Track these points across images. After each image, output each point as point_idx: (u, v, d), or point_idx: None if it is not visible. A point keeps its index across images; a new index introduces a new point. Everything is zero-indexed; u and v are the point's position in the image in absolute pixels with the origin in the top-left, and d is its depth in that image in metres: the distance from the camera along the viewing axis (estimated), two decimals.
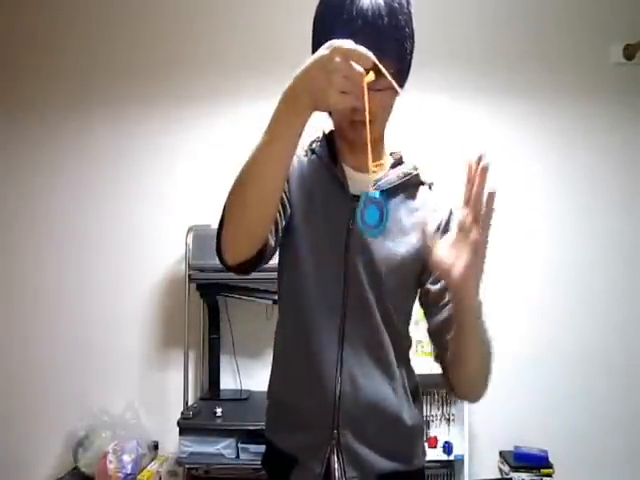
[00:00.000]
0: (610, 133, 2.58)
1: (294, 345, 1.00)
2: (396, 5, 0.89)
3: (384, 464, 0.96)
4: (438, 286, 0.99)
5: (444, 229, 1.02)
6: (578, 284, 2.55)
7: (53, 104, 2.63)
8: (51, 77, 2.64)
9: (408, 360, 1.06)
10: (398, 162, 1.06)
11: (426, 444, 2.09)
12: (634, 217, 2.58)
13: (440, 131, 2.55)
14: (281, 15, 2.55)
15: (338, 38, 0.85)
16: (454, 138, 2.55)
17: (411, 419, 1.00)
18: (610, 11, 2.59)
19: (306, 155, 1.04)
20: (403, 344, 1.04)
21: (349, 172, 1.01)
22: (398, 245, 0.99)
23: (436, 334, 0.99)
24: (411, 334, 1.07)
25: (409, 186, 1.04)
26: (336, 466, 0.94)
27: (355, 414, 0.95)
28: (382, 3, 0.88)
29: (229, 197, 0.84)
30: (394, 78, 0.90)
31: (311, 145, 1.06)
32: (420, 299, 1.05)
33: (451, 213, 1.04)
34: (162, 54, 2.62)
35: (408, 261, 0.99)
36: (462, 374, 0.94)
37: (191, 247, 2.34)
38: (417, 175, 1.05)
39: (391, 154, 1.10)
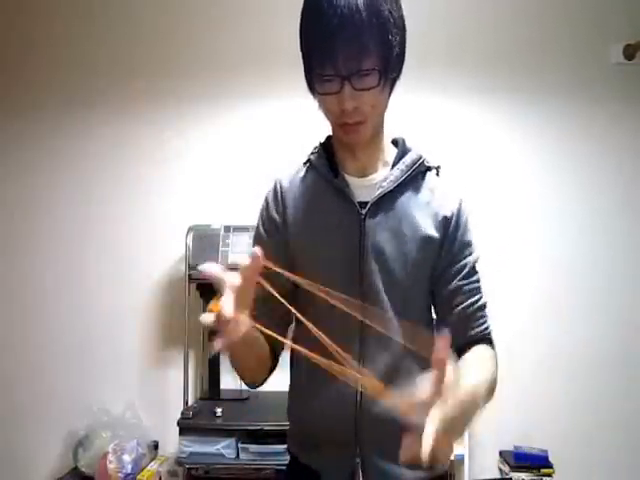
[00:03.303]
0: (610, 133, 2.58)
1: (312, 365, 0.98)
2: None
3: (408, 475, 0.94)
4: (451, 287, 0.96)
5: (455, 225, 0.98)
6: (578, 284, 2.54)
7: (53, 104, 2.63)
8: (50, 77, 2.64)
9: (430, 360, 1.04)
10: (401, 153, 1.02)
11: None
12: (634, 217, 2.57)
13: (440, 132, 2.54)
14: (282, 15, 2.54)
15: (318, 38, 0.85)
16: (454, 139, 2.55)
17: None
18: (610, 11, 2.58)
19: (305, 175, 1.02)
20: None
21: (351, 180, 0.98)
22: (411, 245, 0.95)
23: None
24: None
25: (416, 175, 1.00)
26: None
27: (377, 430, 0.93)
28: None
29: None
30: (380, 73, 0.87)
31: (308, 159, 1.03)
32: (431, 297, 1.01)
33: (461, 204, 1.00)
34: (162, 54, 2.62)
35: (421, 260, 0.96)
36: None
37: (191, 247, 2.34)
38: (422, 162, 1.00)
39: (393, 142, 1.05)
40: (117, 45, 2.63)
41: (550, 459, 2.31)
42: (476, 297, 0.97)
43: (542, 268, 2.55)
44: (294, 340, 1.04)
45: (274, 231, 1.01)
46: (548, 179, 2.59)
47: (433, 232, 0.96)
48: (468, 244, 0.99)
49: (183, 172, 2.61)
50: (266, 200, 1.04)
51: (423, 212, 0.97)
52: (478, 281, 0.99)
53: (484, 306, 0.98)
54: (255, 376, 0.99)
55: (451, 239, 0.98)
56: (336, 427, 0.94)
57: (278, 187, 1.03)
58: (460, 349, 0.91)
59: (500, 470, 2.42)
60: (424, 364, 0.98)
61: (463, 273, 0.97)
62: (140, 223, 2.59)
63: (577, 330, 2.52)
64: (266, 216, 1.03)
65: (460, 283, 0.96)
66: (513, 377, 2.46)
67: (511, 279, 2.52)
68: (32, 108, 2.63)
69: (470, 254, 0.99)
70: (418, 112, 2.53)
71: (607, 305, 2.54)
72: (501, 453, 2.44)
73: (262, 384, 1.01)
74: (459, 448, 2.27)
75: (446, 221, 0.98)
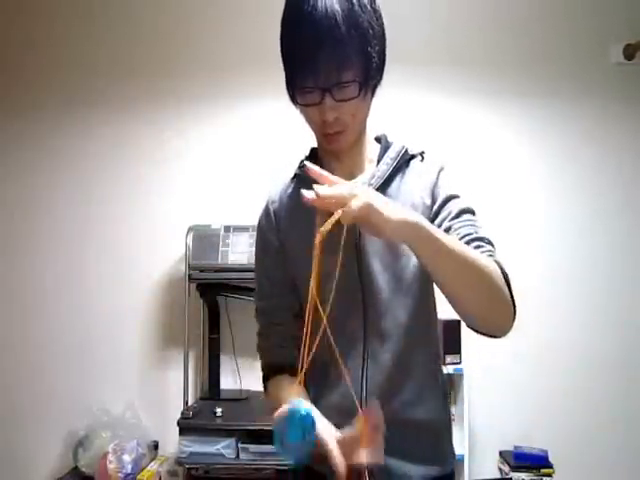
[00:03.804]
0: (610, 133, 2.58)
1: (318, 368, 0.95)
2: (356, 8, 0.84)
3: (418, 472, 0.94)
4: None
5: (435, 191, 0.97)
6: (578, 284, 2.55)
7: (53, 104, 2.63)
8: (50, 77, 2.64)
9: (437, 354, 1.03)
10: (384, 148, 1.02)
11: None
12: (635, 217, 2.57)
13: (440, 133, 2.54)
14: (281, 16, 2.55)
15: (298, 51, 0.86)
16: (454, 140, 2.55)
17: (440, 418, 0.98)
18: (610, 11, 2.58)
19: (294, 189, 1.02)
20: (431, 339, 1.01)
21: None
22: None
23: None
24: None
25: (402, 166, 1.00)
26: None
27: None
28: (338, 9, 0.82)
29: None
30: (360, 84, 0.87)
31: (295, 174, 1.04)
32: None
33: (440, 169, 0.99)
34: (162, 54, 2.62)
35: None
36: (466, 310, 0.85)
37: (191, 247, 2.34)
38: (406, 152, 1.00)
39: (376, 139, 1.06)
40: (117, 45, 2.63)
41: (550, 459, 2.31)
42: (470, 230, 0.90)
43: (542, 269, 2.54)
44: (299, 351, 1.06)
45: (272, 250, 1.03)
46: (547, 179, 2.59)
47: (423, 211, 0.96)
48: (452, 196, 0.96)
49: (183, 172, 2.61)
50: (259, 222, 1.06)
51: (411, 197, 0.97)
52: (472, 220, 0.93)
53: (483, 238, 0.90)
54: None
55: (434, 201, 0.96)
56: (341, 426, 0.94)
57: (269, 206, 1.05)
58: None
59: (500, 470, 2.42)
60: (428, 359, 0.99)
61: (451, 215, 0.93)
62: (140, 223, 2.59)
63: (577, 331, 2.52)
64: (262, 237, 1.05)
65: (449, 224, 0.92)
66: (513, 377, 2.47)
67: (511, 279, 2.52)
68: (32, 108, 2.63)
69: (456, 204, 0.95)
70: (420, 113, 2.53)
71: (607, 306, 2.54)
72: (501, 453, 2.44)
73: None
74: (459, 448, 2.28)
75: (430, 193, 0.97)
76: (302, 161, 1.05)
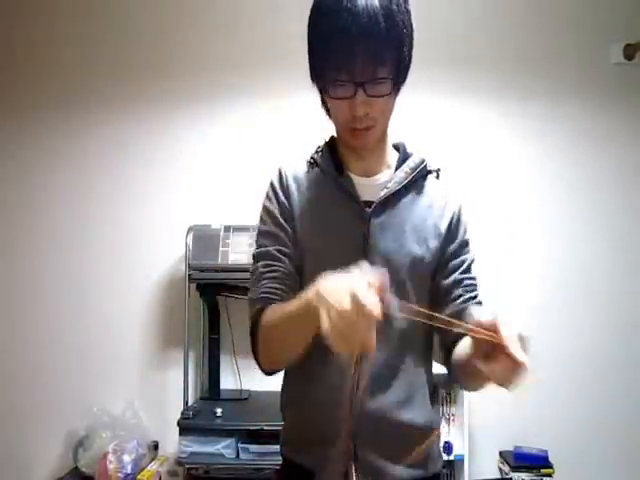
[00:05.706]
0: (610, 133, 2.58)
1: (307, 361, 0.96)
2: (394, 6, 0.86)
3: (402, 473, 0.95)
4: (450, 280, 0.99)
5: (455, 226, 1.02)
6: (578, 284, 2.54)
7: (52, 104, 2.63)
8: (50, 77, 2.63)
9: (428, 359, 1.04)
10: (404, 157, 1.04)
11: None
12: (635, 217, 2.57)
13: (440, 132, 2.54)
14: (282, 17, 2.55)
15: (336, 45, 0.85)
16: (454, 139, 2.55)
17: (427, 422, 0.98)
18: (610, 11, 2.58)
19: (308, 171, 1.03)
20: (423, 344, 1.02)
21: (356, 179, 1.00)
22: (414, 245, 0.97)
23: (441, 330, 0.94)
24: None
25: (418, 178, 1.02)
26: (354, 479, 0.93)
27: (371, 427, 0.94)
28: (378, 6, 0.84)
29: (264, 337, 0.96)
30: (393, 81, 0.90)
31: (312, 158, 1.04)
32: (429, 292, 1.02)
33: (461, 206, 1.04)
34: (162, 54, 2.62)
35: (424, 260, 0.97)
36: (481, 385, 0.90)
37: (191, 247, 2.34)
38: (425, 166, 1.03)
39: (394, 146, 1.07)
40: (117, 45, 2.63)
41: (550, 459, 2.31)
42: (474, 293, 1.00)
43: (542, 269, 2.54)
44: None
45: (281, 204, 1.01)
46: (546, 179, 2.59)
47: (435, 233, 0.99)
48: (466, 243, 1.03)
49: (183, 172, 2.61)
50: (272, 185, 1.04)
51: (425, 214, 1.00)
52: (475, 279, 1.02)
53: (482, 303, 1.01)
54: (292, 355, 0.94)
55: (452, 238, 1.01)
56: (330, 424, 0.94)
57: (284, 175, 1.03)
58: (457, 341, 0.94)
59: (500, 470, 2.42)
60: (419, 362, 0.99)
61: (462, 268, 1.00)
62: (140, 223, 2.59)
63: (577, 330, 2.52)
64: (275, 199, 1.02)
65: (459, 277, 1.00)
66: None
67: (511, 280, 2.52)
68: (32, 108, 2.63)
69: (468, 252, 1.03)
70: (418, 113, 2.53)
71: (607, 306, 2.54)
72: (501, 453, 2.44)
73: (280, 370, 1.01)
74: (459, 448, 2.28)
75: (447, 222, 1.01)
76: (319, 147, 1.06)
